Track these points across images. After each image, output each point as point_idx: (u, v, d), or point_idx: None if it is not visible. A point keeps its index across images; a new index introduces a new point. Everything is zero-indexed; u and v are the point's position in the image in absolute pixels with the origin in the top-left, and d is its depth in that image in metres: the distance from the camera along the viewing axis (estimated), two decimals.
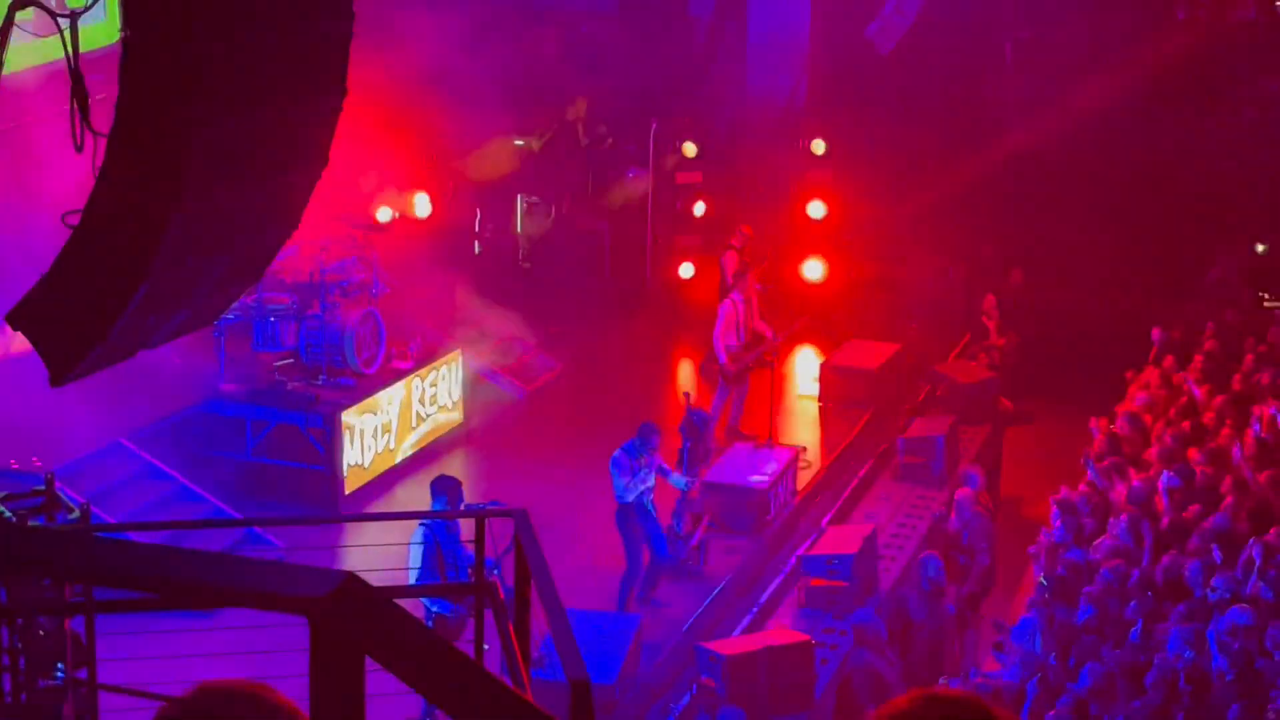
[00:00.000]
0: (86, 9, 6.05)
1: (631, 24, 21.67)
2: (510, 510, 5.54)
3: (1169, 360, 16.41)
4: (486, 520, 6.59)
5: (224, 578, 2.62)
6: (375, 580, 6.30)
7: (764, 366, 16.33)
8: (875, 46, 20.73)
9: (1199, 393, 15.24)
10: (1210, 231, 20.28)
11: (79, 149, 5.78)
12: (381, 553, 9.92)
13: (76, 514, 9.37)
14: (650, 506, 12.87)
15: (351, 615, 2.53)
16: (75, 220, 5.69)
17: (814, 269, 21.21)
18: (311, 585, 2.51)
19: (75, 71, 5.79)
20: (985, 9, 20.84)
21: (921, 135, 20.42)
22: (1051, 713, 9.57)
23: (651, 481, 12.92)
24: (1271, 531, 11.46)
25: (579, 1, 21.75)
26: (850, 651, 11.14)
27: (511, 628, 5.43)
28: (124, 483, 13.66)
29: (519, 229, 21.46)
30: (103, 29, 5.98)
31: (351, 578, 2.52)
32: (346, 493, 14.78)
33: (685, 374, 19.33)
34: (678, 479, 13.40)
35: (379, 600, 2.54)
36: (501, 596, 5.92)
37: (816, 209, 21.37)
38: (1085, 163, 20.49)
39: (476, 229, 21.29)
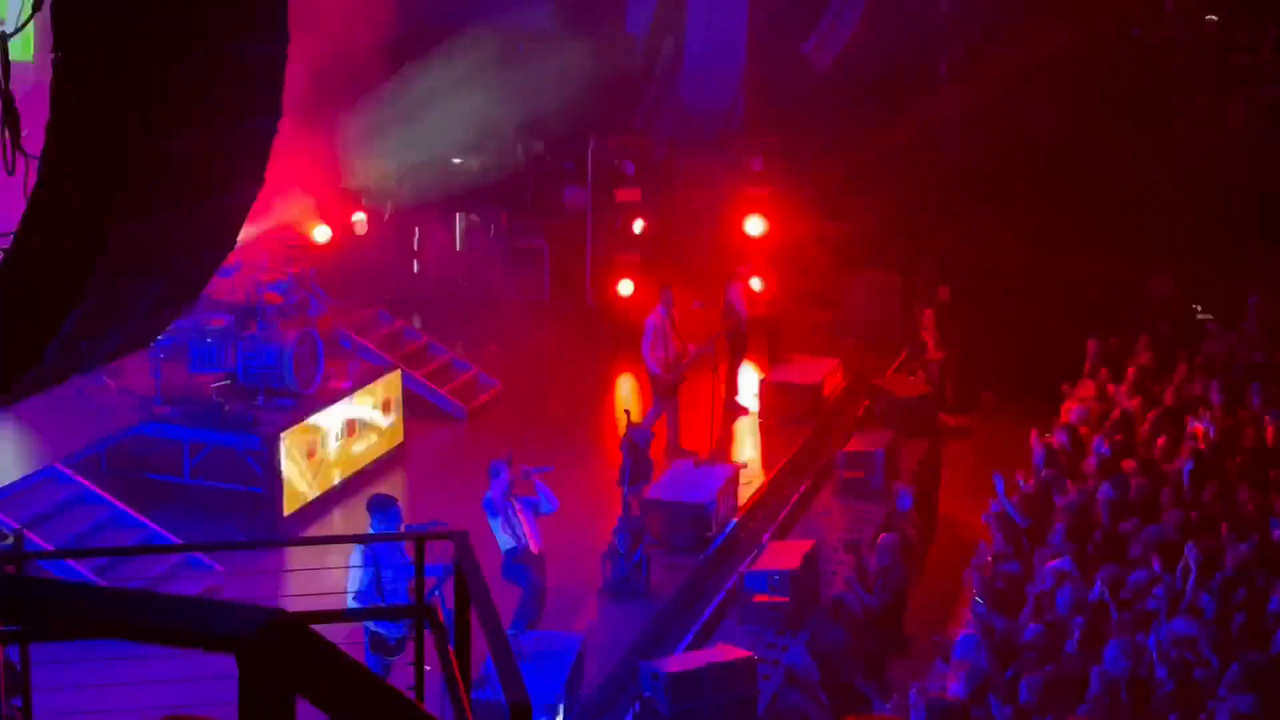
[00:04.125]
0: (17, 31, 5.99)
1: (568, 42, 21.69)
2: (450, 533, 5.52)
3: (1104, 372, 16.57)
4: (426, 539, 6.56)
5: (150, 615, 2.58)
6: (315, 604, 6.23)
7: (681, 381, 16.52)
8: (812, 64, 20.87)
9: (1131, 405, 15.40)
10: (1146, 244, 20.48)
11: (10, 172, 5.72)
12: (321, 574, 9.85)
13: (10, 540, 9.27)
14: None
15: (280, 653, 2.49)
16: (6, 244, 5.63)
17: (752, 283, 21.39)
18: (239, 622, 2.47)
19: (6, 94, 5.73)
20: (920, 26, 21.00)
21: (858, 152, 20.55)
22: None
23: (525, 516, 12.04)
24: (1208, 542, 11.58)
25: (516, 19, 21.75)
26: (779, 691, 10.96)
27: (452, 650, 5.40)
28: (59, 508, 13.48)
29: (458, 247, 21.45)
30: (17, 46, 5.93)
31: (280, 614, 2.48)
32: (286, 514, 14.66)
33: (626, 391, 19.34)
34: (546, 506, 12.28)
35: (309, 636, 2.50)
36: (442, 618, 5.89)
37: (754, 226, 21.50)
38: (1022, 178, 20.67)
39: (415, 247, 21.26)
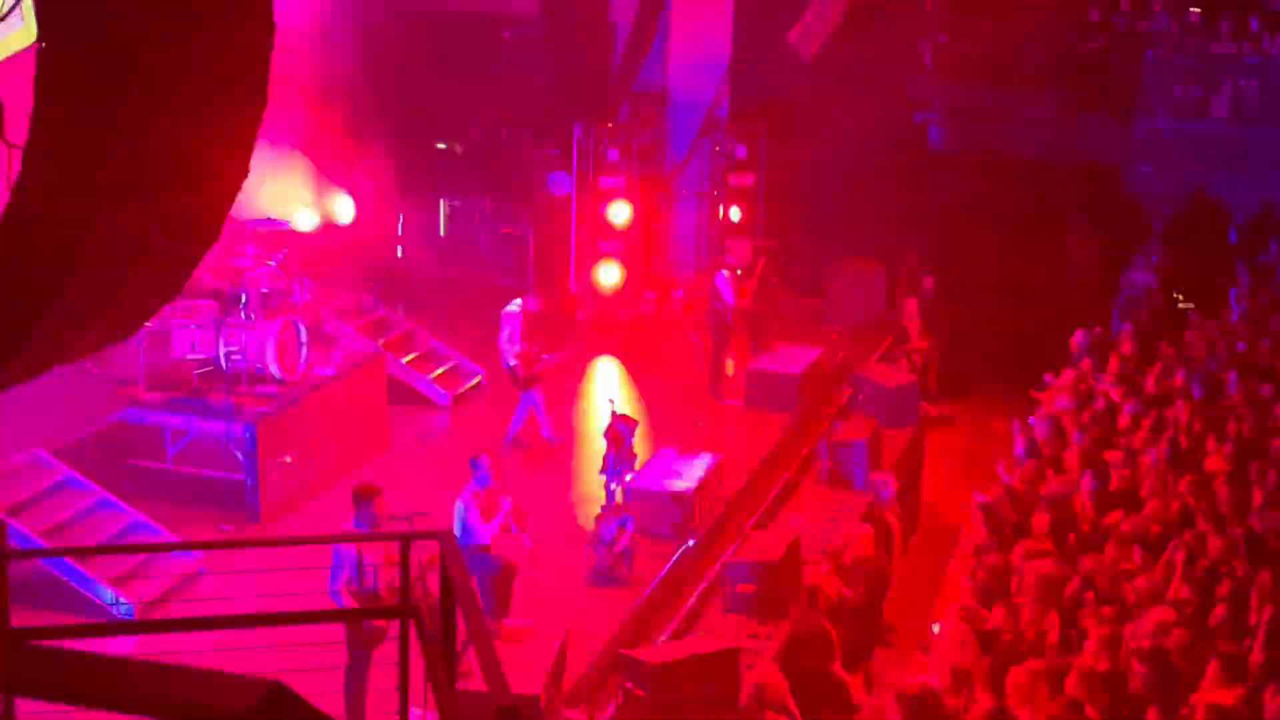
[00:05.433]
0: (4, 17, 5.95)
1: (553, 29, 21.66)
2: (435, 532, 5.51)
3: (1086, 362, 16.58)
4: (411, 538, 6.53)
5: (148, 688, 2.56)
6: (298, 604, 6.17)
7: (537, 379, 16.60)
8: (797, 52, 20.85)
9: (1114, 395, 15.42)
10: (1128, 234, 20.52)
11: None
12: (302, 561, 9.82)
13: None
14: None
15: None
16: None
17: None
18: (236, 696, 2.46)
19: None
20: (904, 15, 21.00)
21: (843, 141, 20.54)
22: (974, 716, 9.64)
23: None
24: (1189, 534, 11.62)
25: (500, 7, 21.70)
26: (745, 709, 10.75)
27: (436, 648, 5.41)
28: (42, 494, 13.45)
29: (442, 233, 21.42)
30: (19, 35, 5.89)
31: (277, 687, 2.47)
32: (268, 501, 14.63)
33: (609, 379, 19.33)
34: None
35: (306, 709, 2.49)
36: (425, 616, 5.89)
37: (736, 214, 21.52)
38: (1007, 166, 20.69)
39: (399, 233, 21.21)
